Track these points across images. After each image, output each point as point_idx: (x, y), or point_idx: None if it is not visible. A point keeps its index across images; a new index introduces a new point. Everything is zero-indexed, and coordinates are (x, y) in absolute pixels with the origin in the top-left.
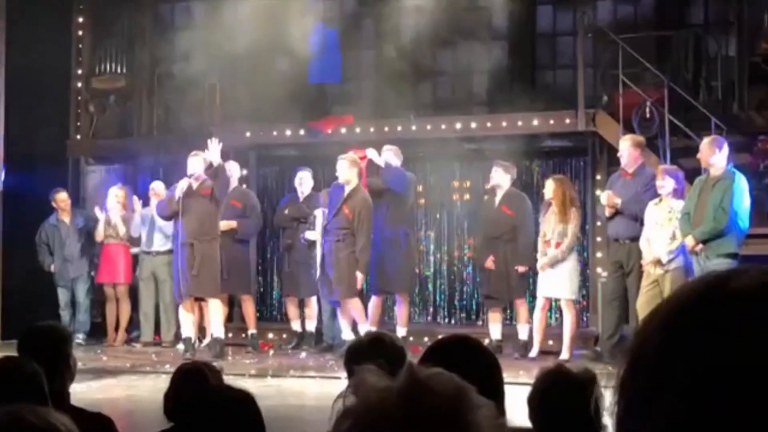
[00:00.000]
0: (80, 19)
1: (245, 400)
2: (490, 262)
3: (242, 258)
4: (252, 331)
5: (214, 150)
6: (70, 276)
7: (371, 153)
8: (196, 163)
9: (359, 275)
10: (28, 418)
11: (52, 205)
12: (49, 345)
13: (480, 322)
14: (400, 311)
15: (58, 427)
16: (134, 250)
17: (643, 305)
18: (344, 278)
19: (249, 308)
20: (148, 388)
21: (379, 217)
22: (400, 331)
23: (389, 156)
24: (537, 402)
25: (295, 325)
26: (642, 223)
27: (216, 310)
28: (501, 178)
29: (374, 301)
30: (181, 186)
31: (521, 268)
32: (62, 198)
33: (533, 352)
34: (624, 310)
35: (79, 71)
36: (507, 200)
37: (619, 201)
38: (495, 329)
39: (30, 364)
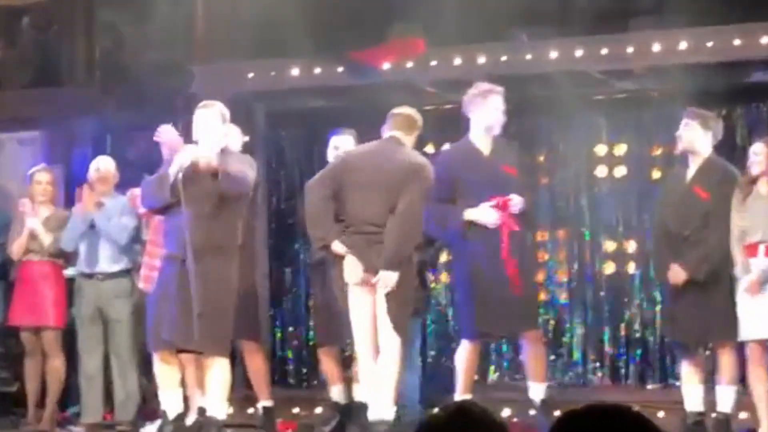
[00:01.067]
0: None
1: None
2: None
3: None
4: (265, 403)
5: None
6: None
7: (518, 203)
8: (208, 119)
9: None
10: None
11: None
12: None
13: (657, 382)
14: (532, 359)
15: None
16: (69, 271)
17: None
18: None
19: (258, 364)
20: None
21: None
22: (537, 392)
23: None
24: None
25: (336, 393)
26: None
27: (221, 376)
28: (696, 138)
29: (467, 348)
30: (181, 160)
31: None
32: None
33: None
34: None
35: None
36: (702, 175)
37: None
38: (691, 395)
39: None
